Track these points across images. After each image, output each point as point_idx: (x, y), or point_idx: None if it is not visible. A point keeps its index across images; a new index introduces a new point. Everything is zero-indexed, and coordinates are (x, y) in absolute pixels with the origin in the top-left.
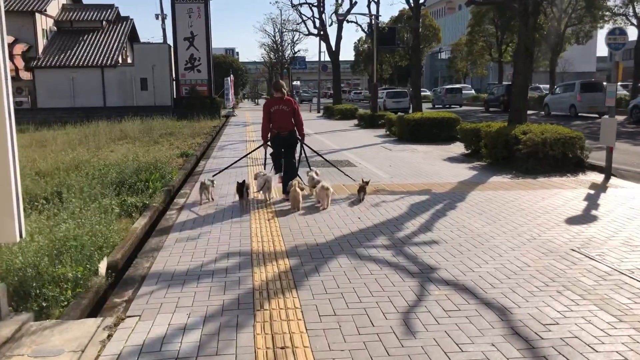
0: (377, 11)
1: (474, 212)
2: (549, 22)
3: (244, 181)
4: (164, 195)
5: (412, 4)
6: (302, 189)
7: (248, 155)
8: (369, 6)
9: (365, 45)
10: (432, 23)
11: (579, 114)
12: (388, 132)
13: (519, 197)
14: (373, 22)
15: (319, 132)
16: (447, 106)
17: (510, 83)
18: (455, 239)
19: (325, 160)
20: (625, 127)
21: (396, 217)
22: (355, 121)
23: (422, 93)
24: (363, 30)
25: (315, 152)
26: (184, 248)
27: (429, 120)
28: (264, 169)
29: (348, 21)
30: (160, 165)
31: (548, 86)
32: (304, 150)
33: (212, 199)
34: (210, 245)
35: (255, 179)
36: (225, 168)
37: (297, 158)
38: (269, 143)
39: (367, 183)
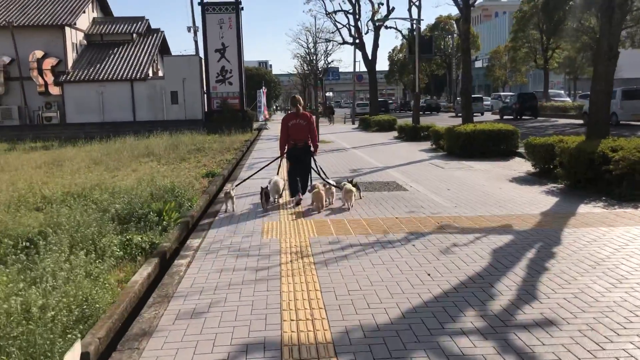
0: (419, 15)
1: (584, 265)
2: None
3: (267, 187)
4: (179, 231)
5: (462, 4)
6: (327, 188)
7: (268, 166)
8: (409, 10)
9: (400, 55)
10: (470, 30)
11: (621, 122)
12: (434, 146)
13: (632, 237)
14: (414, 26)
15: (357, 147)
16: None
17: (523, 93)
18: (578, 314)
19: (331, 183)
20: None
21: (479, 273)
22: (395, 133)
23: (441, 103)
24: (403, 36)
25: (323, 176)
26: (185, 332)
27: (483, 133)
28: (277, 174)
29: (387, 27)
30: (179, 191)
31: None
32: (315, 163)
33: (234, 210)
34: (222, 325)
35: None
36: (247, 178)
37: (311, 168)
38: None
39: (355, 184)
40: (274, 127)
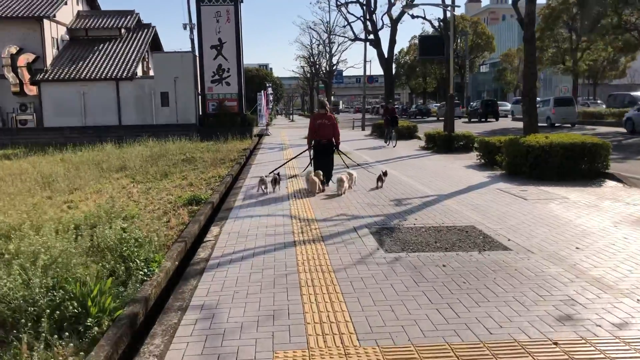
0: (453, 1)
1: None
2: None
3: (278, 174)
4: (109, 349)
5: None
6: (321, 181)
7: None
8: None
9: (407, 57)
10: (484, 31)
11: (555, 125)
12: (482, 161)
13: None
14: (448, 14)
15: (382, 161)
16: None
17: (486, 99)
18: None
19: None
20: None
21: None
22: (419, 142)
23: (433, 107)
24: (432, 25)
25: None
26: None
27: (563, 147)
28: (311, 166)
29: (413, 16)
30: (129, 248)
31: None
32: (340, 153)
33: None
34: None
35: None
36: (279, 167)
37: (333, 161)
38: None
39: (385, 173)
40: (276, 133)
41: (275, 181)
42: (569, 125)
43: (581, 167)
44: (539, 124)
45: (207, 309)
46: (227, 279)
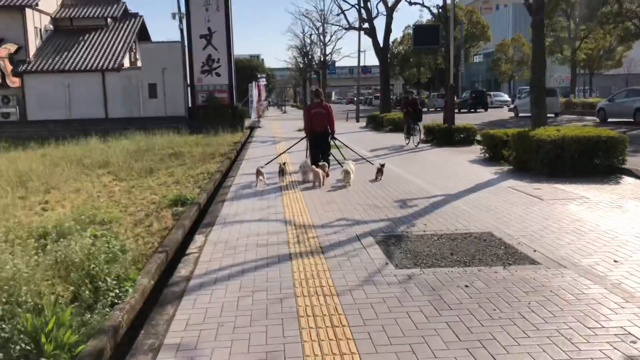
0: None
1: None
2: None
3: (284, 163)
4: None
5: None
6: (324, 170)
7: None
8: None
9: (401, 47)
10: (479, 20)
11: (521, 115)
12: (486, 155)
13: None
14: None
15: (380, 156)
16: (440, 109)
17: (475, 90)
18: None
19: None
20: None
21: None
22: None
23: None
24: (431, 12)
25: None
26: None
27: (577, 142)
28: (306, 157)
29: (411, 3)
30: (97, 265)
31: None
32: (334, 141)
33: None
34: None
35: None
36: (275, 158)
37: (330, 150)
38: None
39: (383, 165)
40: (268, 126)
41: (283, 172)
42: (553, 115)
43: (595, 163)
44: (524, 114)
45: (184, 350)
46: (211, 305)
